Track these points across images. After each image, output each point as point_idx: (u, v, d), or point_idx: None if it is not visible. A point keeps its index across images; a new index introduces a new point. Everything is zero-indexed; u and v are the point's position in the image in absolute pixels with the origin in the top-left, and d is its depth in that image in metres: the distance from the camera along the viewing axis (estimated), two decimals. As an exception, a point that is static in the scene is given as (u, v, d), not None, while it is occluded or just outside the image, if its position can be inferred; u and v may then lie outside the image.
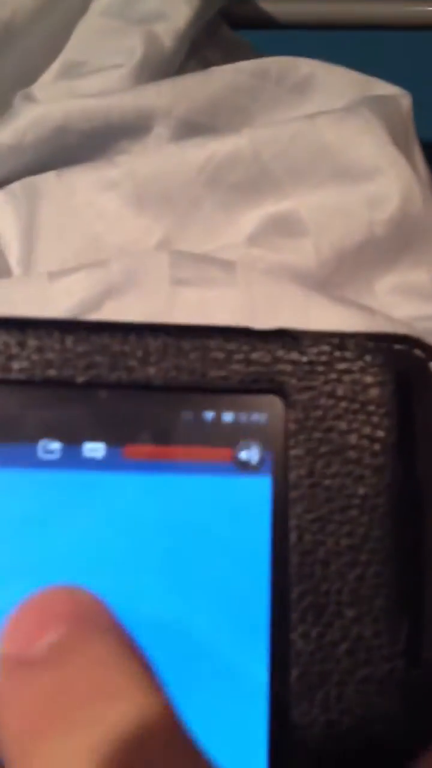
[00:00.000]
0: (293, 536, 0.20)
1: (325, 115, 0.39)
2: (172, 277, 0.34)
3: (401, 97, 0.41)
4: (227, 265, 0.35)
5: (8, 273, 0.38)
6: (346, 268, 0.37)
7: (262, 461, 0.20)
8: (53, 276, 0.35)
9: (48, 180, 0.39)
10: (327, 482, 0.20)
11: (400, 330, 0.34)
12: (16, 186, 0.39)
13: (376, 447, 0.20)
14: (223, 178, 0.38)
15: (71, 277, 0.35)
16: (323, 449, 0.20)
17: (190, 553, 0.19)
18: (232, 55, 0.51)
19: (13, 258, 0.38)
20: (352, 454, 0.20)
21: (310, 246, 0.37)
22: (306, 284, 0.36)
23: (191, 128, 0.39)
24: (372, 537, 0.20)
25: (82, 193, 0.38)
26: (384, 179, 0.38)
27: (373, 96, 0.41)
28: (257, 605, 0.19)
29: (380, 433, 0.20)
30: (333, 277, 0.37)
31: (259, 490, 0.20)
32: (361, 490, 0.20)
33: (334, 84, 0.42)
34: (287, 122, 0.39)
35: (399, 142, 0.39)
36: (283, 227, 0.38)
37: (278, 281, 0.35)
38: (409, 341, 0.21)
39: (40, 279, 0.35)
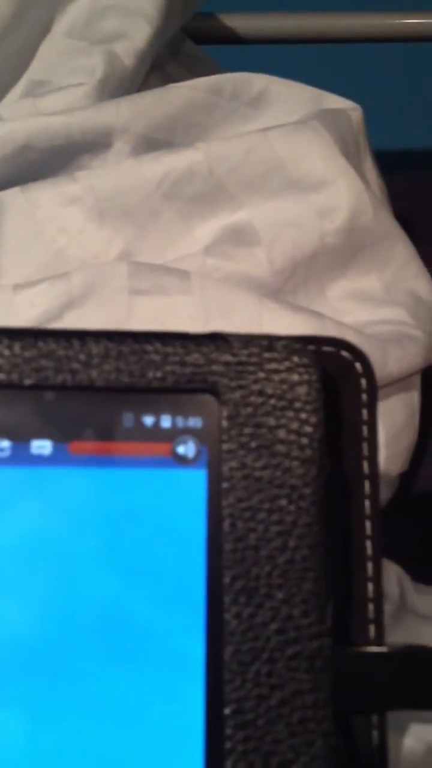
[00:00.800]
0: (226, 524, 0.21)
1: (277, 129, 0.41)
2: (131, 288, 0.36)
3: (352, 111, 0.43)
4: (183, 275, 0.37)
5: (-27, 287, 0.39)
6: (298, 276, 0.39)
7: (197, 455, 0.21)
8: (17, 288, 0.37)
9: (13, 195, 0.40)
10: (257, 474, 0.21)
11: (349, 334, 0.36)
12: (-19, 202, 0.41)
13: (304, 441, 0.21)
14: (180, 191, 0.39)
15: (34, 289, 0.36)
16: (254, 443, 0.21)
17: (131, 541, 0.21)
18: (194, 70, 0.53)
19: (-20, 271, 0.39)
20: (281, 447, 0.21)
21: (263, 255, 0.39)
22: (260, 292, 0.37)
23: (150, 144, 0.41)
24: (300, 524, 0.21)
25: (45, 207, 0.40)
26: (334, 190, 0.39)
27: (325, 110, 0.42)
28: (194, 589, 0.21)
29: (307, 429, 0.21)
30: (286, 284, 0.39)
31: (195, 482, 0.21)
32: (290, 481, 0.21)
33: (287, 98, 0.43)
34: (241, 136, 0.40)
35: (350, 154, 0.41)
36: (238, 238, 0.39)
37: (232, 289, 0.37)
38: (337, 344, 0.23)
39: (5, 291, 0.37)
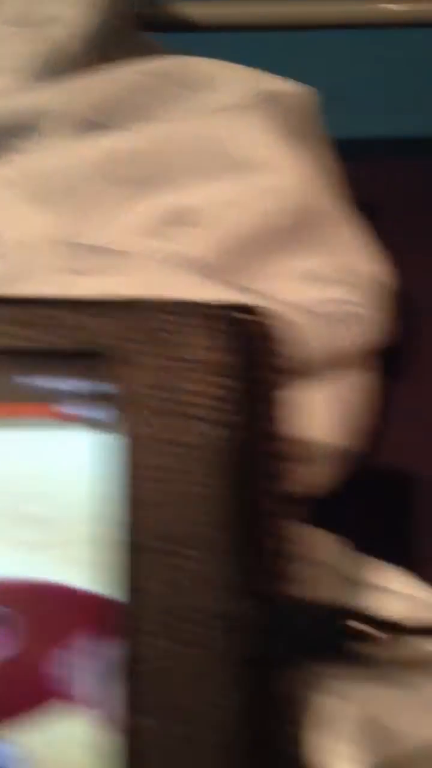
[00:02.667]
0: (140, 488, 0.21)
1: (220, 111, 0.40)
2: (70, 267, 0.35)
3: (298, 93, 0.43)
4: (124, 256, 0.36)
5: None
6: (241, 257, 0.39)
7: (108, 419, 0.21)
8: None
9: None
10: (168, 436, 0.21)
11: (298, 315, 0.35)
12: None
13: (216, 404, 0.21)
14: (120, 173, 0.39)
15: None
16: (166, 407, 0.21)
17: (39, 506, 0.21)
18: (141, 57, 0.53)
19: None
20: (193, 411, 0.21)
21: (204, 236, 0.38)
22: (202, 273, 0.37)
23: (89, 126, 0.40)
24: (212, 485, 0.21)
25: (-20, 192, 0.39)
26: (277, 171, 0.39)
27: (269, 92, 0.42)
28: (110, 550, 0.20)
29: (220, 392, 0.21)
30: (229, 265, 0.38)
31: (108, 446, 0.21)
32: (202, 442, 0.21)
33: (232, 82, 0.43)
34: (183, 119, 0.40)
35: (294, 136, 0.41)
36: (179, 219, 0.39)
37: (173, 270, 0.36)
38: (249, 309, 0.23)
39: None
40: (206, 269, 0.38)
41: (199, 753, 0.20)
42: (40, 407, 0.21)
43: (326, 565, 0.29)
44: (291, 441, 0.24)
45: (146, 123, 0.42)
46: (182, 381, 0.21)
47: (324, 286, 0.40)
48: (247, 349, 0.22)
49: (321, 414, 0.35)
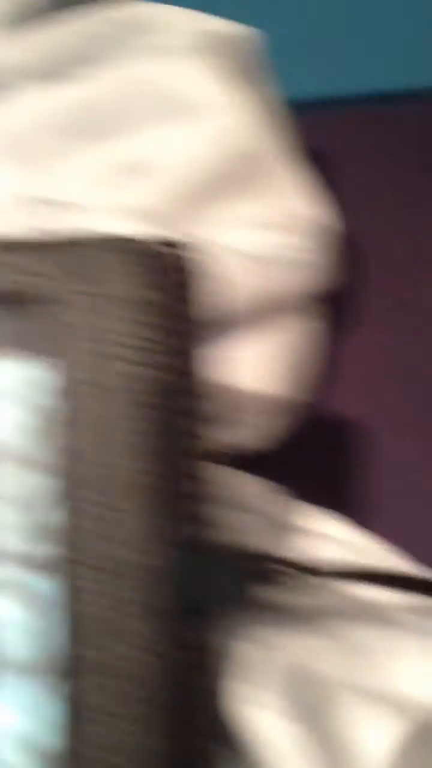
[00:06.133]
0: (63, 431, 0.21)
1: (164, 56, 0.40)
2: (27, 223, 0.35)
3: (241, 35, 0.42)
4: (75, 208, 0.36)
5: None
6: (187, 205, 0.38)
7: (34, 359, 0.21)
8: None
9: None
10: (90, 377, 0.21)
11: (234, 256, 0.35)
12: None
13: (138, 343, 0.21)
14: (66, 124, 0.39)
15: None
16: (101, 350, 0.21)
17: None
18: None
19: None
20: (114, 350, 0.21)
21: (154, 185, 0.38)
22: (152, 223, 0.37)
23: (42, 78, 0.40)
24: (144, 431, 0.21)
25: None
26: (223, 116, 0.39)
27: (213, 33, 0.41)
28: (44, 504, 0.21)
29: (142, 330, 0.21)
30: (177, 214, 0.38)
31: (35, 384, 0.21)
32: (136, 387, 0.21)
33: (174, 25, 0.42)
34: (127, 67, 0.40)
35: (237, 79, 0.40)
36: (127, 170, 0.39)
37: (123, 223, 0.36)
38: (173, 244, 0.22)
39: None
40: (154, 219, 0.37)
41: (122, 706, 0.20)
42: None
43: (256, 511, 0.30)
44: (222, 387, 0.24)
45: (95, 71, 0.41)
46: (105, 319, 0.21)
47: (266, 231, 0.39)
48: (173, 286, 0.22)
49: (261, 362, 0.35)
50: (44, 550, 0.20)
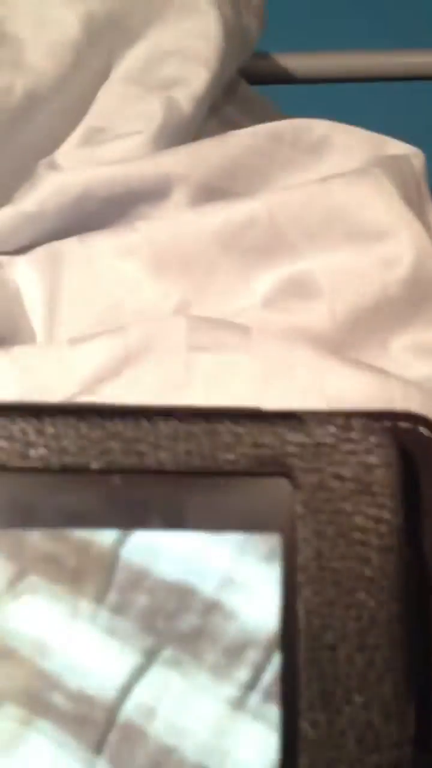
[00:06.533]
0: (302, 621, 0.20)
1: (338, 177, 0.40)
2: (189, 343, 0.35)
3: (413, 156, 0.42)
4: (243, 330, 0.36)
5: (33, 338, 0.39)
6: (360, 330, 0.38)
7: (271, 544, 0.20)
8: (74, 342, 0.36)
9: (71, 245, 0.40)
10: (334, 565, 0.20)
11: (414, 394, 0.34)
12: (39, 251, 0.40)
13: (383, 528, 0.20)
14: (238, 242, 0.39)
15: (90, 344, 0.36)
16: (330, 531, 0.20)
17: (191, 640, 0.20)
18: (251, 113, 0.53)
19: (38, 323, 0.39)
20: (358, 535, 0.20)
21: (324, 308, 0.38)
22: (321, 346, 0.36)
23: (209, 192, 0.40)
24: (380, 620, 0.20)
25: (103, 258, 0.39)
26: (397, 240, 0.38)
27: (386, 156, 0.41)
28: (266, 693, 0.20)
29: (386, 515, 0.20)
30: (347, 338, 0.38)
31: (268, 573, 0.20)
32: (368, 573, 0.20)
33: (348, 145, 0.43)
34: (301, 186, 0.40)
35: (412, 202, 0.40)
36: (298, 289, 0.38)
37: (293, 345, 0.36)
38: (415, 419, 0.22)
39: (60, 345, 0.36)
40: (326, 343, 0.37)
41: None
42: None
43: None
44: None
45: (264, 189, 0.41)
46: (346, 502, 0.20)
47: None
48: (414, 466, 0.21)
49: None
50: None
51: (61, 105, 0.43)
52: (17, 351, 0.35)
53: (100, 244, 0.40)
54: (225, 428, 0.21)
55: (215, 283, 0.39)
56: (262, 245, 0.39)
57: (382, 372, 0.36)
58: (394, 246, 0.38)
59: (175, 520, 0.21)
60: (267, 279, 0.39)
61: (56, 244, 0.40)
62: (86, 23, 0.43)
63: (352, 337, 0.38)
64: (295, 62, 0.61)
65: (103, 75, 0.45)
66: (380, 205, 0.39)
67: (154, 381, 0.35)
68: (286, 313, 0.38)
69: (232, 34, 0.46)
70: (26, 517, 0.21)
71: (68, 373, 0.36)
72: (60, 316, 0.39)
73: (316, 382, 0.34)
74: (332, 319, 0.38)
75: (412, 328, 0.39)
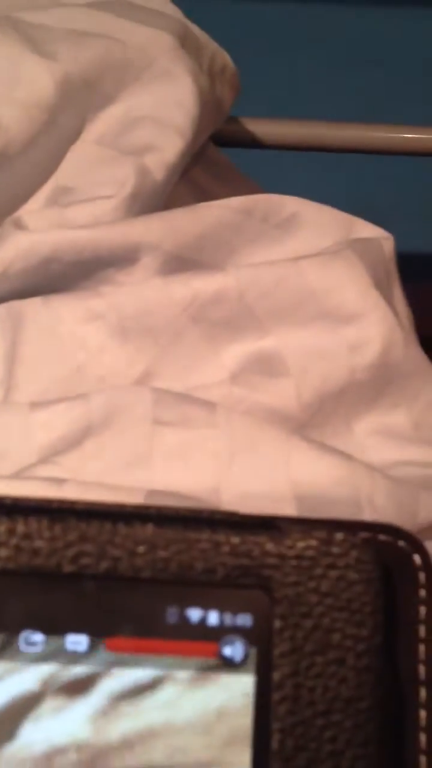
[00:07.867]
0: (275, 741, 0.19)
1: (310, 258, 0.40)
2: (154, 417, 0.34)
3: (384, 240, 0.42)
4: (209, 407, 0.35)
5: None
6: (326, 410, 0.38)
7: (245, 658, 0.20)
8: (35, 407, 0.35)
9: (33, 305, 0.39)
10: (310, 683, 0.20)
11: (380, 481, 0.34)
12: (0, 309, 0.39)
13: (360, 647, 0.20)
14: (207, 314, 0.38)
15: (52, 409, 0.35)
16: (308, 648, 0.20)
17: (167, 749, 0.19)
18: (219, 176, 0.53)
19: (-5, 381, 0.38)
20: (336, 653, 0.20)
21: (291, 388, 0.37)
22: (287, 426, 0.36)
23: (178, 262, 0.40)
24: (355, 743, 0.19)
25: (66, 322, 0.38)
26: (366, 324, 0.38)
27: (358, 239, 0.42)
28: None
29: (364, 632, 0.20)
30: (313, 418, 0.38)
31: (242, 689, 0.19)
32: (345, 692, 0.20)
33: (318, 223, 0.43)
34: (273, 264, 0.40)
35: (381, 286, 0.40)
36: (265, 367, 0.38)
37: (259, 424, 0.35)
38: (396, 532, 0.21)
39: (21, 409, 0.35)
40: (291, 422, 0.37)
41: None
42: (207, 646, 0.19)
43: None
44: None
45: (233, 261, 0.41)
46: (324, 618, 0.20)
47: (404, 445, 0.39)
48: (392, 580, 0.20)
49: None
50: None
51: (29, 163, 0.43)
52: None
53: (64, 307, 0.39)
54: (203, 535, 0.20)
55: (181, 354, 0.38)
56: (230, 320, 0.39)
57: (347, 457, 0.35)
58: (363, 330, 0.38)
59: (147, 628, 0.20)
60: (233, 353, 0.38)
61: (18, 303, 0.39)
62: (61, 84, 0.42)
63: (316, 418, 0.38)
64: (261, 127, 0.61)
65: (75, 135, 0.44)
66: (352, 288, 0.39)
67: (116, 453, 0.34)
68: (251, 390, 0.37)
69: (207, 102, 0.46)
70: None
71: (27, 440, 0.35)
72: (17, 377, 0.38)
73: (281, 463, 0.34)
74: (298, 400, 0.37)
75: (376, 411, 0.39)
